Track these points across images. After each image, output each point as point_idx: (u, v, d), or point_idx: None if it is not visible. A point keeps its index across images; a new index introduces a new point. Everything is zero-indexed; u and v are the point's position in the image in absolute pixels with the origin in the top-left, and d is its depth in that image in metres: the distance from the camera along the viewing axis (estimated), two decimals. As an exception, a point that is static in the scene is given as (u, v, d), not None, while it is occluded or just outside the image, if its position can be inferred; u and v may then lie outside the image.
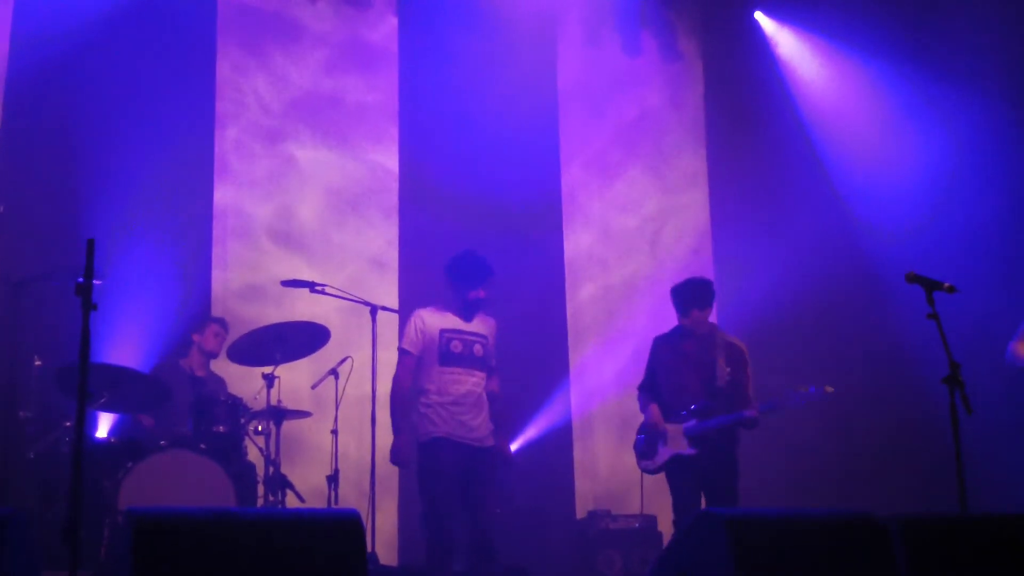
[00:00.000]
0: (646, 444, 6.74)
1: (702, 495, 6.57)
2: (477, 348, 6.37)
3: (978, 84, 8.51)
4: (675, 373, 6.73)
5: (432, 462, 6.16)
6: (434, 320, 6.34)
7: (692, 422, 6.56)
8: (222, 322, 7.63)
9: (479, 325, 6.43)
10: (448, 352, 6.28)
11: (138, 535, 3.34)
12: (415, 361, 6.29)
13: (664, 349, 6.84)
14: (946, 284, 5.09)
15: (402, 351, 6.33)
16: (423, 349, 6.28)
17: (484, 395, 6.38)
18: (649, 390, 6.84)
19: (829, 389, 6.42)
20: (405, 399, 6.28)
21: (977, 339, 6.88)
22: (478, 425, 6.29)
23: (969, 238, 8.39)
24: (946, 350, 4.91)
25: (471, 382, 6.31)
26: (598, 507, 8.82)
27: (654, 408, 6.70)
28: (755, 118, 9.85)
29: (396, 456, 6.21)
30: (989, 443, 6.94)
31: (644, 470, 6.81)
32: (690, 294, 6.75)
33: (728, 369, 6.55)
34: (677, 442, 6.59)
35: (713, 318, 6.93)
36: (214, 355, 7.52)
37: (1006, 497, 7.17)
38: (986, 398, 5.72)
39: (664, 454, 6.63)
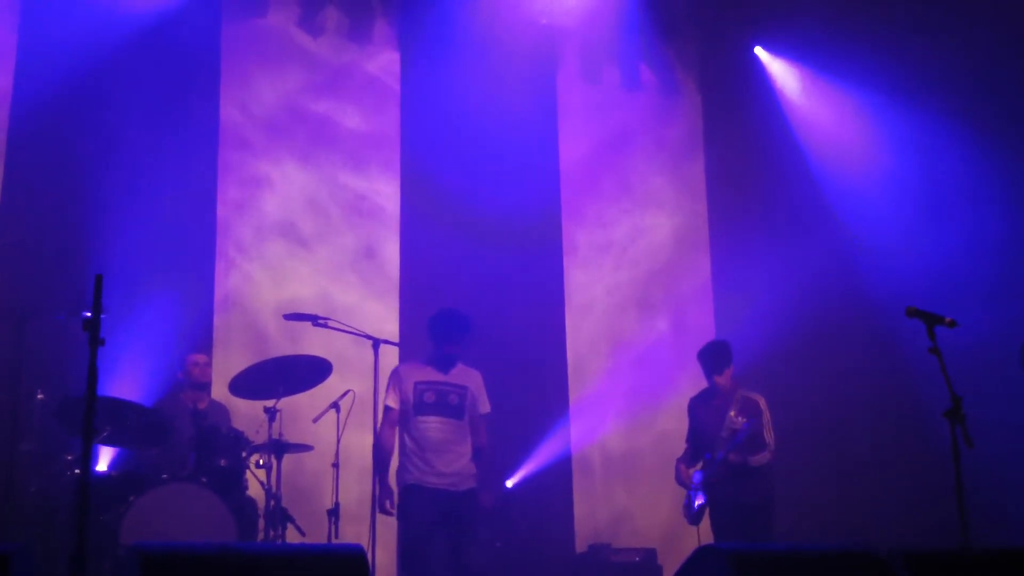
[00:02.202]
0: (687, 498, 7.30)
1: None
2: (452, 398, 6.81)
3: (960, 114, 8.58)
4: (705, 428, 7.26)
5: (405, 507, 6.64)
6: (410, 374, 6.83)
7: (700, 473, 7.19)
8: (201, 350, 7.65)
9: (459, 376, 6.87)
10: (421, 402, 6.74)
11: (143, 570, 3.35)
12: (396, 415, 6.77)
13: (698, 408, 7.44)
14: (947, 319, 5.11)
15: (385, 408, 6.81)
16: (402, 402, 6.76)
17: (464, 443, 6.79)
18: (690, 442, 7.42)
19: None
20: (385, 452, 6.74)
21: (973, 362, 6.88)
22: (454, 471, 6.70)
23: (964, 263, 8.42)
24: (948, 384, 4.92)
25: (445, 430, 6.74)
26: (598, 540, 8.80)
27: (679, 466, 7.33)
28: (753, 149, 9.93)
29: (381, 505, 6.65)
30: (991, 476, 6.94)
31: (689, 521, 7.30)
32: (716, 356, 7.34)
33: (741, 419, 6.99)
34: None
35: None
36: (205, 384, 7.51)
37: (1008, 530, 7.17)
38: (985, 428, 5.73)
39: (694, 505, 7.22)
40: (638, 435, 9.46)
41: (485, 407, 6.95)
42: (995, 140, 8.37)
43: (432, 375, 6.82)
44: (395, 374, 6.86)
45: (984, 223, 8.42)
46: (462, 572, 6.53)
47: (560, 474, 9.15)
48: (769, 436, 7.02)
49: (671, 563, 7.74)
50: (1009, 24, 8.34)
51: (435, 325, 6.90)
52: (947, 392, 4.92)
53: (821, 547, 4.32)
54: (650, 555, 8.49)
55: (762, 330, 8.99)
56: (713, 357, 7.33)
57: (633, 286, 9.92)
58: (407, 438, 6.73)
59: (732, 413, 7.05)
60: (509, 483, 8.60)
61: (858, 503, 8.70)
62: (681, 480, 7.30)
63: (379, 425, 6.78)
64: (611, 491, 9.41)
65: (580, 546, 8.97)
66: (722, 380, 7.27)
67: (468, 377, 6.90)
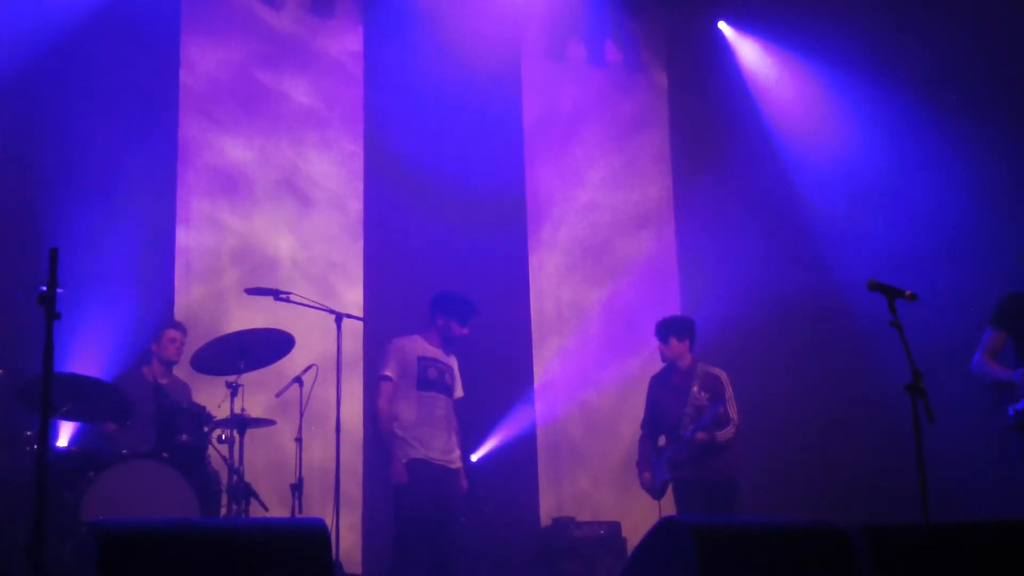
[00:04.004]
0: (650, 472, 7.34)
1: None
2: (448, 377, 6.91)
3: (922, 91, 8.62)
4: (663, 404, 7.34)
5: (411, 482, 6.59)
6: (412, 347, 6.83)
7: (661, 452, 7.24)
8: (179, 326, 7.53)
9: (448, 358, 6.97)
10: (425, 377, 6.77)
11: (103, 547, 3.31)
12: (394, 387, 6.74)
13: (656, 385, 7.52)
14: (908, 292, 5.13)
15: (384, 378, 6.78)
16: (401, 375, 6.74)
17: (454, 422, 6.91)
18: (646, 425, 7.49)
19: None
20: (392, 422, 6.70)
21: (938, 338, 6.94)
22: (450, 448, 6.81)
23: (927, 241, 8.47)
24: (908, 358, 4.95)
25: (445, 407, 6.83)
26: (562, 515, 8.83)
27: (641, 448, 7.44)
28: (718, 126, 9.95)
29: (395, 477, 6.63)
30: (952, 450, 7.01)
31: (651, 494, 7.36)
32: (661, 325, 7.39)
33: (704, 395, 7.05)
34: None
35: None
36: (174, 362, 7.45)
37: (969, 504, 7.25)
38: (947, 403, 5.78)
39: (657, 479, 7.23)
40: (603, 411, 9.49)
41: (460, 391, 7.08)
42: (956, 118, 8.42)
43: (432, 352, 6.88)
44: (397, 346, 6.85)
45: (945, 199, 8.47)
46: (443, 557, 6.62)
47: (525, 449, 9.17)
48: (733, 411, 7.07)
49: (635, 536, 7.75)
50: (972, 4, 8.38)
51: (448, 303, 6.95)
52: (908, 366, 4.95)
53: (783, 522, 4.34)
54: (614, 529, 8.54)
55: (727, 306, 9.04)
56: (659, 326, 7.38)
57: (598, 263, 9.92)
58: (407, 412, 6.71)
59: (695, 389, 7.09)
60: (473, 457, 8.61)
61: (820, 478, 8.77)
62: (644, 458, 7.38)
63: (379, 397, 6.77)
64: (575, 466, 9.43)
65: (544, 520, 9.00)
66: (667, 351, 7.31)
67: (452, 359, 7.02)
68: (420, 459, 6.63)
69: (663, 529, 4.15)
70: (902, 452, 5.36)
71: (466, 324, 6.92)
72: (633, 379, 8.88)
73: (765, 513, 7.66)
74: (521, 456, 9.11)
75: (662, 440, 7.27)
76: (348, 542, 8.04)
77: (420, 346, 6.88)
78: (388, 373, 6.77)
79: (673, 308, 9.28)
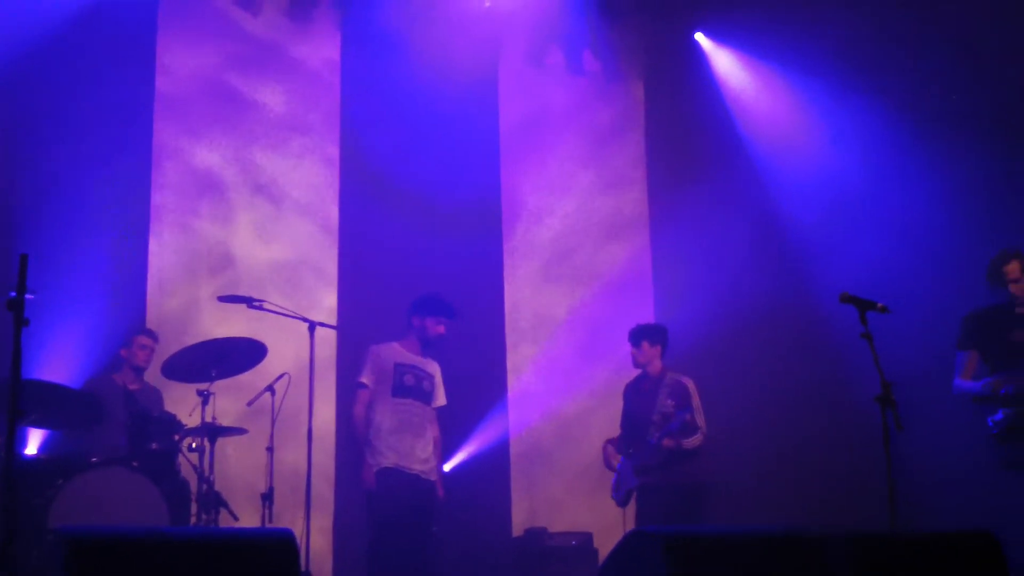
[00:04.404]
0: (615, 480, 7.40)
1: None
2: (426, 384, 6.89)
3: (896, 102, 8.67)
4: (633, 411, 7.39)
5: (382, 491, 6.60)
6: (389, 354, 6.83)
7: (627, 458, 7.28)
8: (149, 333, 7.50)
9: (428, 364, 6.96)
10: (401, 384, 6.76)
11: (70, 555, 3.28)
12: (370, 394, 6.74)
13: (628, 391, 7.57)
14: (879, 304, 5.18)
15: (359, 384, 6.80)
16: (378, 382, 6.74)
17: (432, 431, 6.90)
18: (620, 430, 7.51)
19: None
20: (365, 429, 6.72)
21: (906, 347, 6.97)
22: (426, 457, 6.79)
23: (901, 252, 8.51)
24: (878, 369, 4.99)
25: (421, 415, 6.81)
26: (534, 525, 8.82)
27: (606, 447, 7.47)
28: (694, 135, 9.96)
29: (367, 483, 6.65)
30: (926, 459, 7.05)
31: (617, 503, 7.42)
32: (634, 331, 7.48)
33: (671, 402, 7.05)
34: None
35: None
36: (143, 369, 7.41)
37: (937, 514, 7.28)
38: (919, 414, 5.81)
39: (623, 487, 7.30)
40: (576, 420, 9.48)
41: (443, 399, 7.09)
42: (930, 128, 8.46)
43: (410, 358, 6.88)
44: (374, 352, 6.86)
45: (919, 210, 8.51)
46: (425, 563, 6.63)
47: (498, 459, 9.16)
48: (700, 419, 7.10)
49: (607, 547, 7.72)
50: (945, 15, 8.43)
51: (424, 303, 6.94)
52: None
53: (754, 530, 4.34)
54: (586, 539, 8.53)
55: (700, 313, 9.04)
56: (633, 331, 7.47)
57: (573, 271, 9.93)
58: (381, 419, 6.71)
59: (662, 396, 7.12)
60: (446, 467, 8.59)
61: (794, 486, 8.77)
62: (607, 462, 7.43)
63: (354, 404, 6.80)
64: (548, 476, 9.42)
65: (517, 530, 8.98)
66: (639, 355, 7.38)
67: (433, 367, 7.02)
68: (392, 467, 6.64)
69: (633, 540, 4.14)
70: (874, 461, 5.38)
71: (442, 322, 6.90)
72: (607, 388, 8.87)
73: (738, 521, 7.70)
74: (494, 466, 9.09)
75: (629, 452, 7.29)
76: (319, 545, 7.99)
77: (398, 352, 6.88)
78: (364, 380, 6.78)
79: (647, 317, 9.28)
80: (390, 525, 6.56)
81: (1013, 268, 6.43)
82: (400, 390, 6.75)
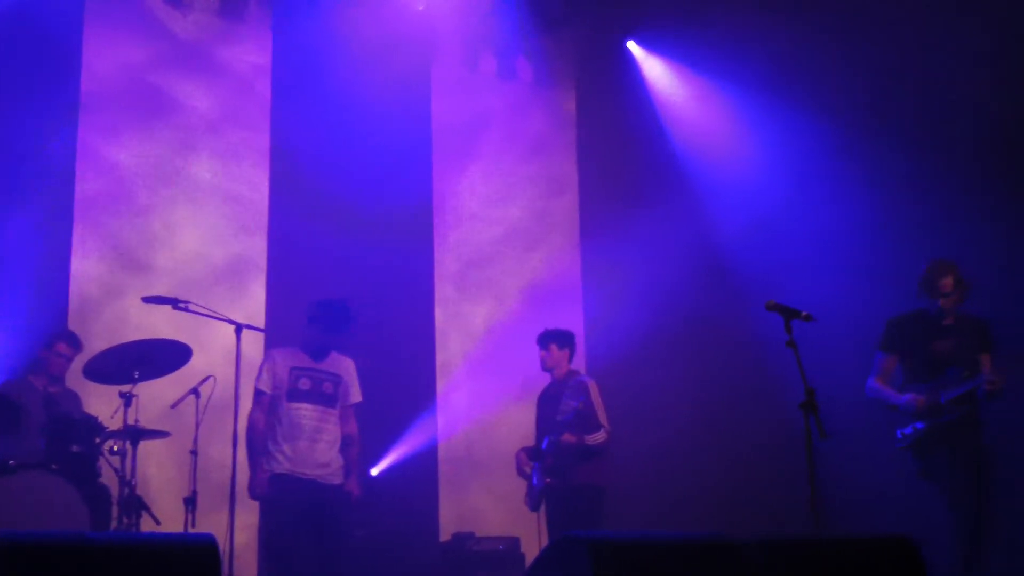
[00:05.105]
0: (528, 485, 7.45)
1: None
2: (327, 386, 6.79)
3: (825, 109, 8.78)
4: (544, 416, 7.44)
5: (273, 497, 6.56)
6: (285, 358, 6.76)
7: (538, 463, 7.30)
8: (71, 338, 7.29)
9: (333, 364, 6.86)
10: (295, 389, 6.67)
11: (-17, 561, 3.21)
12: (269, 400, 6.68)
13: (541, 399, 7.61)
14: (803, 313, 5.24)
15: (256, 391, 6.74)
16: (275, 387, 6.68)
17: (335, 432, 6.77)
18: (536, 442, 7.48)
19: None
20: (259, 436, 6.65)
21: (833, 352, 7.06)
22: (325, 462, 6.68)
23: (828, 261, 8.61)
24: (802, 377, 5.04)
25: (318, 418, 6.71)
26: (462, 529, 8.80)
27: (519, 455, 7.48)
28: (626, 141, 10.02)
29: (253, 491, 6.62)
30: (846, 465, 7.13)
31: (530, 508, 7.49)
32: (542, 334, 7.56)
33: (572, 403, 7.07)
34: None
35: (581, 348, 7.71)
36: (59, 379, 7.23)
37: (860, 520, 7.37)
38: (842, 420, 5.88)
39: (533, 492, 7.36)
40: (503, 426, 9.47)
41: (357, 396, 6.97)
42: (858, 134, 8.57)
43: (307, 361, 6.79)
44: (270, 357, 6.83)
45: (846, 221, 8.62)
46: (328, 566, 6.50)
47: (426, 463, 9.13)
48: (602, 417, 7.19)
49: (534, 552, 7.75)
50: (875, 20, 8.54)
51: (320, 313, 6.85)
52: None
53: (678, 536, 4.36)
54: (513, 544, 8.53)
55: (630, 321, 9.09)
56: (542, 335, 7.56)
57: (503, 278, 9.94)
58: (276, 425, 6.65)
59: (565, 397, 7.16)
60: (374, 471, 8.55)
61: (718, 492, 8.83)
62: (520, 469, 7.45)
63: (251, 409, 6.73)
64: (476, 480, 9.41)
65: (444, 535, 8.96)
66: (548, 358, 7.47)
67: (342, 365, 6.91)
68: (285, 473, 6.57)
69: (559, 545, 4.14)
70: (797, 467, 5.44)
71: (333, 331, 6.81)
72: (536, 394, 8.88)
73: (661, 527, 7.74)
74: (422, 470, 9.06)
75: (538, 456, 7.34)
76: (243, 540, 7.85)
77: (294, 356, 6.81)
78: (260, 386, 6.74)
79: (576, 324, 9.31)
80: (281, 531, 6.53)
81: (947, 283, 6.47)
82: (294, 395, 6.68)
